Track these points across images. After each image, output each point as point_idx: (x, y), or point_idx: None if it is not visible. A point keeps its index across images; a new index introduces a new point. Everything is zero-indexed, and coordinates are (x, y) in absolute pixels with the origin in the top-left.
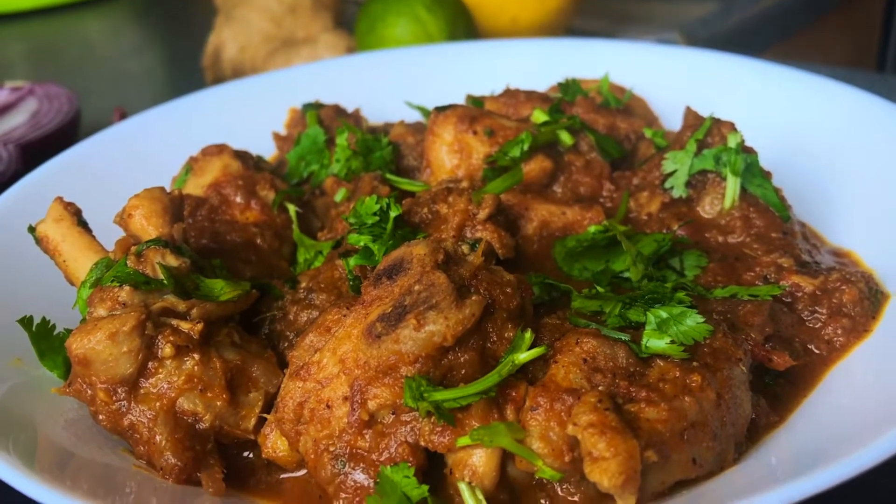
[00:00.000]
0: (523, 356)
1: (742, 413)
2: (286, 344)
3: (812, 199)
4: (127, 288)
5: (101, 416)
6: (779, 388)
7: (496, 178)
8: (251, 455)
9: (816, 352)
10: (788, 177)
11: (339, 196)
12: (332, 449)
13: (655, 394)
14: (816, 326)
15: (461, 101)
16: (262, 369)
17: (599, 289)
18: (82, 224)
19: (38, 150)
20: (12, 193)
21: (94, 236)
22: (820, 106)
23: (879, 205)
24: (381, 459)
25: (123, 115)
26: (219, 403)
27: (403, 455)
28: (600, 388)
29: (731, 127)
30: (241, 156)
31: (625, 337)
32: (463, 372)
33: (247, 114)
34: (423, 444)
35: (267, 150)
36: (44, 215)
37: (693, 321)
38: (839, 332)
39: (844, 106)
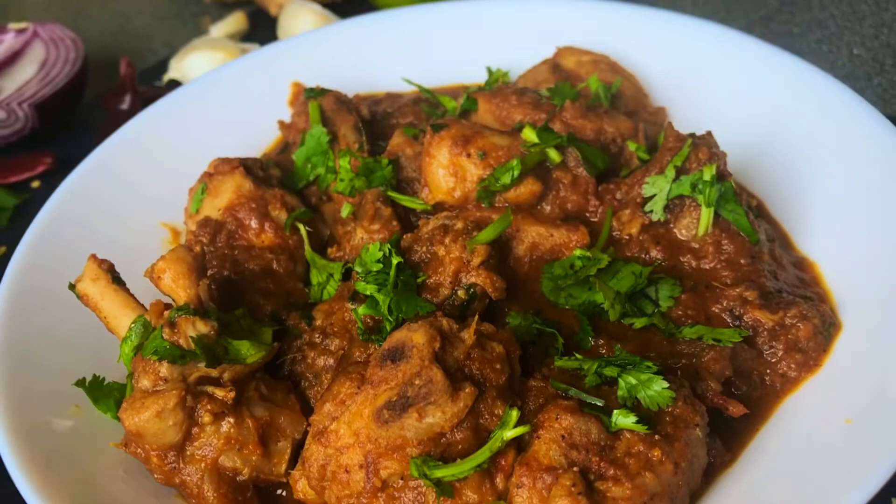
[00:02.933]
0: (510, 433)
1: (698, 467)
2: (306, 383)
3: (789, 195)
4: (166, 363)
5: (156, 475)
6: (735, 422)
7: (489, 198)
8: (284, 493)
9: (771, 384)
10: (770, 166)
11: (346, 212)
12: None
13: (621, 471)
14: (773, 360)
15: (462, 60)
16: (289, 420)
17: (578, 356)
18: (117, 281)
19: (51, 105)
20: (42, 220)
21: (129, 293)
22: (811, 105)
23: (846, 217)
24: None
25: (130, 65)
26: (254, 458)
27: None
28: (575, 467)
29: (708, 154)
30: (251, 169)
31: (599, 402)
32: (459, 447)
33: (256, 88)
34: None
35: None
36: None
37: (659, 387)
38: (792, 366)
39: (834, 112)
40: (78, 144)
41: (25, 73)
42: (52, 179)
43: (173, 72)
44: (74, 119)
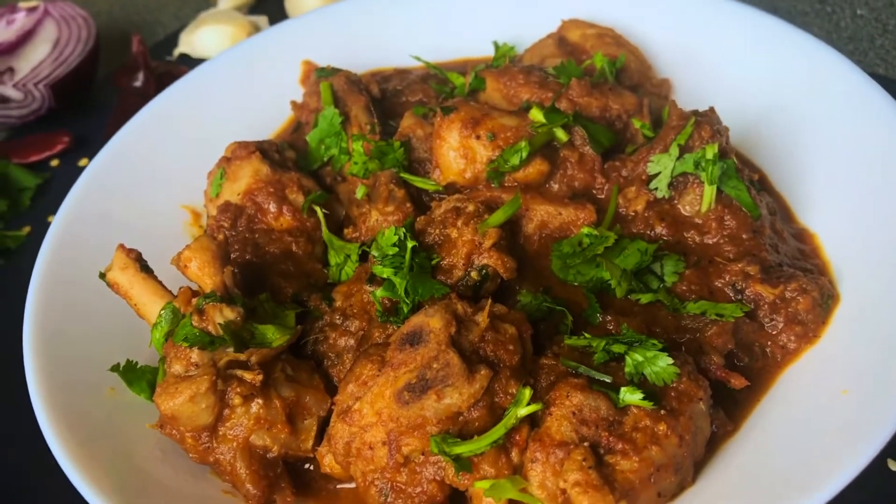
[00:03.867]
0: (523, 411)
1: (702, 438)
2: (328, 362)
3: (791, 166)
4: (196, 350)
5: (191, 454)
6: (737, 393)
7: (499, 178)
8: (311, 467)
9: (772, 356)
10: (772, 136)
11: (360, 193)
12: (377, 483)
13: (629, 445)
14: (774, 333)
15: (469, 34)
16: (314, 398)
17: (587, 335)
18: (146, 269)
19: (66, 84)
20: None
21: (157, 280)
22: (812, 76)
23: (845, 189)
24: (416, 493)
25: (141, 42)
26: (283, 436)
27: (433, 490)
28: (586, 442)
29: (710, 132)
30: (267, 153)
31: (607, 379)
32: (476, 424)
33: (268, 68)
34: (447, 482)
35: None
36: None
37: (664, 363)
38: (792, 338)
39: (835, 84)
40: (94, 122)
41: (39, 52)
42: (71, 158)
43: (183, 46)
44: (89, 97)
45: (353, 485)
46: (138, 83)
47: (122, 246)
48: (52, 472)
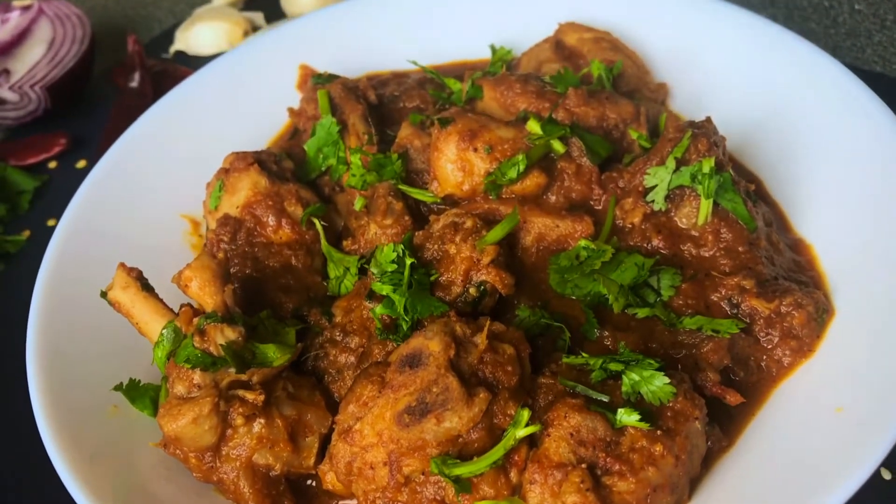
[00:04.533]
0: (522, 432)
1: (697, 457)
2: (329, 378)
3: (787, 173)
4: (198, 371)
5: (195, 474)
6: (732, 408)
7: (496, 191)
8: (313, 483)
9: (767, 370)
10: (769, 143)
11: (359, 205)
12: (378, 502)
13: (626, 466)
14: (769, 347)
15: (466, 36)
16: (315, 416)
17: (584, 354)
18: (147, 288)
19: (62, 85)
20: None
21: (158, 299)
22: (809, 84)
23: (842, 199)
24: None
25: (137, 42)
26: (285, 454)
27: None
28: (583, 463)
29: (707, 146)
30: (265, 164)
31: (604, 398)
32: (476, 445)
33: (265, 73)
34: (448, 502)
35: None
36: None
37: (660, 382)
38: (787, 352)
39: (832, 92)
40: (91, 122)
41: (34, 53)
42: (69, 160)
43: (179, 43)
44: (85, 96)
45: (354, 502)
46: (135, 83)
47: (122, 265)
48: (52, 482)
